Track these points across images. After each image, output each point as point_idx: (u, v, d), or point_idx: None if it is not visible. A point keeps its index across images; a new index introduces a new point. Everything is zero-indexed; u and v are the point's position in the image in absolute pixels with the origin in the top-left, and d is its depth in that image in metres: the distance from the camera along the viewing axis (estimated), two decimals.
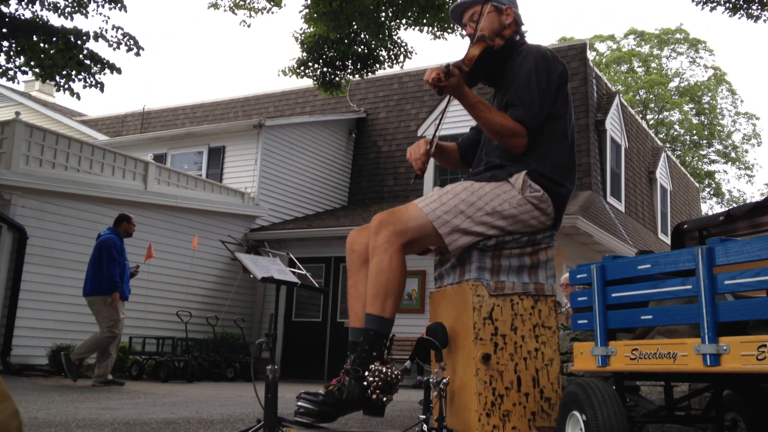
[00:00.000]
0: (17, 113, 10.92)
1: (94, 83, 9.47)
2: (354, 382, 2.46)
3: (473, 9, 2.85)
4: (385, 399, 2.43)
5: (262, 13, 10.21)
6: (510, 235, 2.65)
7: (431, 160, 2.95)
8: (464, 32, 2.92)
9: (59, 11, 9.81)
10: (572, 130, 2.80)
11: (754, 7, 8.84)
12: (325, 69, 10.05)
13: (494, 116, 2.60)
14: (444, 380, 2.45)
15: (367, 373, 2.44)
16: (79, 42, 9.24)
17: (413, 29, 9.57)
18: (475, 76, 2.74)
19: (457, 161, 3.11)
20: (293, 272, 3.41)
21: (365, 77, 10.65)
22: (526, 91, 2.64)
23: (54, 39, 9.10)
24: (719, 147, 34.72)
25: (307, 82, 11.39)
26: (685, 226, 3.32)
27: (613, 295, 2.39)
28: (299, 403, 2.50)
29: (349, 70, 10.09)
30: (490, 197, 2.61)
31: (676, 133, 34.09)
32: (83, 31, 9.28)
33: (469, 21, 2.87)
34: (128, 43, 9.72)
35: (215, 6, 10.14)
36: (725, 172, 35.42)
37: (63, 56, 9.14)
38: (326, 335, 13.43)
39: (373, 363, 2.45)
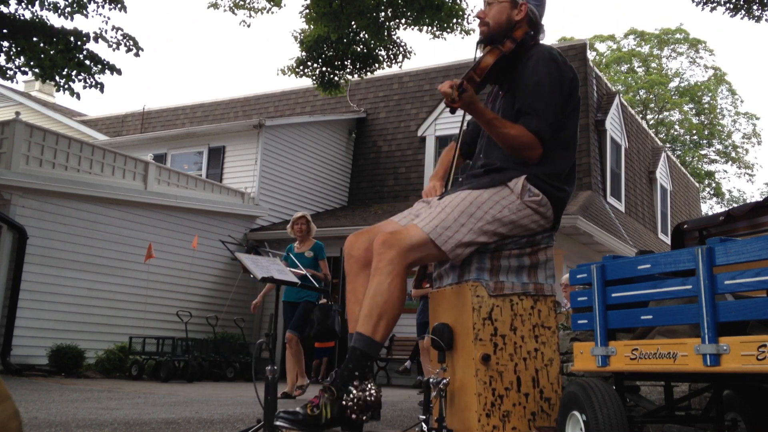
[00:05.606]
0: (17, 113, 10.92)
1: (93, 84, 9.47)
2: (333, 401, 2.43)
3: None
4: (364, 418, 2.41)
5: (262, 13, 10.21)
6: (509, 237, 2.65)
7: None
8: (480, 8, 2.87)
9: (59, 11, 9.80)
10: (577, 135, 2.79)
11: (755, 8, 8.82)
12: (324, 69, 10.05)
13: (509, 130, 2.58)
14: (444, 380, 2.45)
15: (345, 394, 2.41)
16: (78, 43, 9.23)
17: (412, 29, 9.57)
18: (484, 82, 2.72)
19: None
20: (293, 272, 3.41)
21: (364, 77, 10.64)
22: (540, 99, 2.62)
23: (54, 40, 9.09)
24: (719, 147, 34.71)
25: (307, 82, 11.39)
26: (685, 226, 3.32)
27: (613, 295, 2.39)
28: (278, 423, 2.48)
29: (348, 70, 10.09)
30: (489, 205, 2.60)
31: (676, 133, 34.08)
32: (83, 32, 9.27)
33: (486, 2, 2.81)
34: (128, 43, 9.72)
35: (215, 6, 10.13)
36: (725, 171, 35.46)
37: (63, 57, 9.13)
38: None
39: (353, 382, 2.43)
